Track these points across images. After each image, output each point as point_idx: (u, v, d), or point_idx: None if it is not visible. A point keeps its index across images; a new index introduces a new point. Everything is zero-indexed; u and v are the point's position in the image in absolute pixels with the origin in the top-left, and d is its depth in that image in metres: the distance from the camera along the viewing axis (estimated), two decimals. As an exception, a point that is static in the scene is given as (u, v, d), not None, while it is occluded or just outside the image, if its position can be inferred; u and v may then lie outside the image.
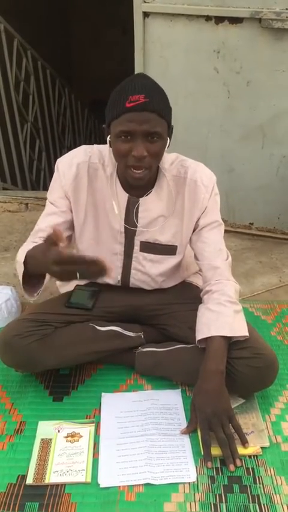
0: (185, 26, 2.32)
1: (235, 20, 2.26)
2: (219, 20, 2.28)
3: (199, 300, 1.60)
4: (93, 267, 1.18)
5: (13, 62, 3.75)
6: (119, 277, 1.68)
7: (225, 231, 1.63)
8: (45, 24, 5.65)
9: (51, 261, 1.19)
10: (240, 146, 2.53)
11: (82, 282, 1.76)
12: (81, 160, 1.53)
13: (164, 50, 2.40)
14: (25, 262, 1.40)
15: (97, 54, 7.07)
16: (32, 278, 1.45)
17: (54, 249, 1.19)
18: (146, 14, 2.33)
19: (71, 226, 1.61)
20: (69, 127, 5.54)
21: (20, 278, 1.45)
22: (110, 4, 6.30)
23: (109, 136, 1.41)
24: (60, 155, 1.58)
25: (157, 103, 1.34)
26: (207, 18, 2.28)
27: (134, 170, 1.39)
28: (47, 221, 1.58)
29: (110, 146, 1.42)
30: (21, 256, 1.43)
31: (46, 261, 1.21)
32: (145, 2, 2.31)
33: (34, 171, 4.38)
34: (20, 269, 1.43)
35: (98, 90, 6.39)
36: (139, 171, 1.39)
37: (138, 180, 1.42)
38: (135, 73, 2.45)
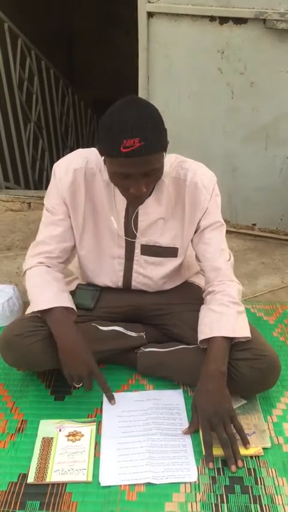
0: (189, 26, 2.32)
1: (239, 21, 2.26)
2: (223, 20, 2.27)
3: (201, 301, 1.60)
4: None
5: (17, 61, 3.76)
6: (121, 282, 1.68)
7: (228, 232, 1.63)
8: (47, 24, 5.66)
9: (86, 372, 1.48)
10: (244, 147, 2.53)
11: (83, 282, 1.77)
12: (78, 166, 1.50)
13: (168, 50, 2.40)
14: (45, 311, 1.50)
15: (100, 54, 7.07)
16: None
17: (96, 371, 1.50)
18: (150, 14, 2.33)
19: (72, 233, 1.60)
20: (72, 126, 5.55)
21: (28, 311, 1.57)
22: (113, 4, 6.31)
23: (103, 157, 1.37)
24: (63, 155, 1.57)
25: (153, 143, 1.27)
26: (212, 18, 2.28)
27: (132, 199, 1.43)
28: (47, 232, 1.57)
29: (105, 163, 1.39)
30: (42, 295, 1.52)
31: (81, 367, 1.48)
32: (149, 2, 2.31)
33: (37, 171, 4.39)
34: (32, 307, 1.54)
35: (100, 90, 6.42)
36: (137, 201, 1.44)
37: (136, 204, 1.47)
38: (139, 73, 2.47)
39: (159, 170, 1.37)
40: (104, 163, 1.39)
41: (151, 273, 1.65)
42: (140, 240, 1.58)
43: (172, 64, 2.42)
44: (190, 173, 1.51)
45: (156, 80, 2.46)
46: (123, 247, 1.60)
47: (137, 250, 1.61)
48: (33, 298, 1.53)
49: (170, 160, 1.53)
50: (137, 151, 1.25)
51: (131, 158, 1.27)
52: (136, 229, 1.56)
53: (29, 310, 1.56)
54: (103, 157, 1.36)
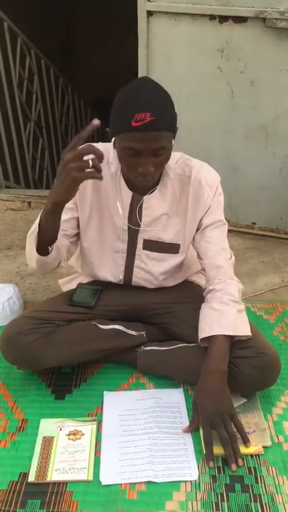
0: (189, 25, 2.32)
1: (239, 20, 2.26)
2: (223, 19, 2.27)
3: (201, 299, 1.60)
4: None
5: (17, 60, 3.75)
6: (122, 276, 1.68)
7: (228, 231, 1.63)
8: (47, 23, 5.65)
9: (66, 152, 1.24)
10: (244, 146, 2.53)
11: (83, 276, 1.77)
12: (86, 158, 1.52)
13: (167, 49, 2.40)
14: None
15: (100, 53, 7.07)
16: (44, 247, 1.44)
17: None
18: (150, 13, 2.33)
19: (77, 223, 1.62)
20: (72, 125, 5.54)
21: (34, 240, 1.43)
22: (113, 3, 6.30)
23: (113, 139, 1.39)
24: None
25: (163, 120, 1.30)
26: (211, 17, 2.28)
27: (140, 180, 1.40)
28: None
29: (114, 147, 1.41)
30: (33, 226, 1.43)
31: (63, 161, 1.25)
32: (149, 1, 2.31)
33: (37, 170, 4.39)
34: (33, 234, 1.42)
35: (101, 89, 6.42)
36: (144, 181, 1.41)
37: (143, 186, 1.45)
38: (139, 72, 2.46)
39: (167, 152, 1.37)
40: (114, 147, 1.40)
41: (152, 269, 1.66)
42: (143, 235, 1.59)
43: (172, 62, 2.42)
44: (195, 171, 1.53)
45: (155, 79, 2.41)
46: (126, 241, 1.61)
47: (139, 245, 1.62)
48: (30, 234, 1.47)
49: (176, 157, 1.55)
50: (147, 125, 1.28)
51: (141, 133, 1.29)
52: (139, 224, 1.57)
53: (28, 245, 1.49)
54: (113, 140, 1.38)
